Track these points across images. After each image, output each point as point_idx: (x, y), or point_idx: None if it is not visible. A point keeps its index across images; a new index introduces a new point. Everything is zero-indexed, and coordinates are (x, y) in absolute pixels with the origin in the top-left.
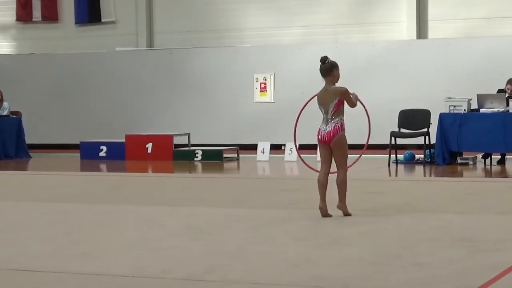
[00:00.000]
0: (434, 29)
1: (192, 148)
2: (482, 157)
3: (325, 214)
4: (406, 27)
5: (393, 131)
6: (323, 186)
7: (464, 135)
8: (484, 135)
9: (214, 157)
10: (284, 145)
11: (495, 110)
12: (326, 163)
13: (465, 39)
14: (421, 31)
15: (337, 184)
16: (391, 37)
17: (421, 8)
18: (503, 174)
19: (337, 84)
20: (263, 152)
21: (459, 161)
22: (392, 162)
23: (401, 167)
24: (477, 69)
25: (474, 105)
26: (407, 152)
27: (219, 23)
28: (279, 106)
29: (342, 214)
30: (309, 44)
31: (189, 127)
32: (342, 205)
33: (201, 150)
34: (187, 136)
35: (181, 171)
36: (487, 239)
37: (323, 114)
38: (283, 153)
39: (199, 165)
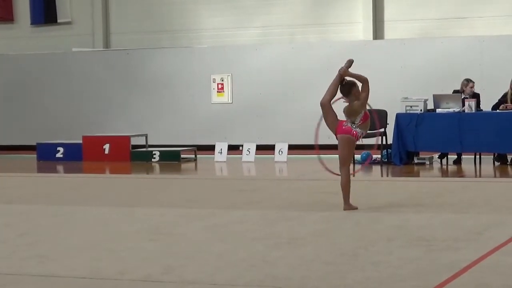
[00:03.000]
0: (390, 30)
1: (149, 149)
2: (438, 157)
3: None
4: (362, 27)
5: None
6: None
7: (420, 135)
8: (440, 135)
9: (172, 158)
10: (242, 145)
11: (451, 110)
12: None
13: (421, 40)
14: (377, 31)
15: (341, 186)
16: (347, 37)
17: (377, 9)
18: (459, 173)
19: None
20: (221, 152)
21: (415, 161)
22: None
23: (358, 167)
24: (433, 70)
25: (430, 105)
26: (364, 152)
27: (175, 24)
28: (237, 106)
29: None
30: (266, 45)
31: (146, 128)
32: (346, 206)
33: (159, 151)
34: (144, 137)
35: (138, 172)
36: (443, 238)
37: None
38: (241, 154)
39: (157, 166)
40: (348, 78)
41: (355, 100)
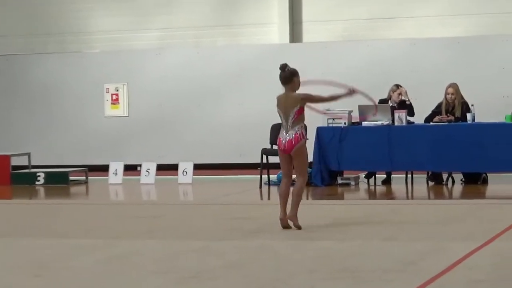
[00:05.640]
0: (310, 32)
1: (33, 170)
2: (365, 177)
3: (285, 225)
4: (277, 29)
5: (265, 148)
6: (283, 197)
7: (344, 152)
8: (367, 151)
9: (59, 180)
10: (140, 165)
11: (379, 123)
12: (287, 176)
13: (345, 43)
14: (295, 34)
15: (292, 193)
16: (261, 40)
17: (295, 9)
18: (388, 195)
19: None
20: (116, 173)
21: (339, 181)
22: (264, 183)
23: (274, 189)
24: (359, 77)
25: (356, 118)
26: (280, 172)
27: (63, 25)
28: (134, 120)
29: (293, 226)
30: (167, 49)
31: (29, 145)
32: (293, 215)
33: (44, 172)
34: (27, 156)
35: (20, 196)
36: (371, 268)
37: (282, 121)
38: (139, 175)
39: (41, 189)
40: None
41: (292, 91)
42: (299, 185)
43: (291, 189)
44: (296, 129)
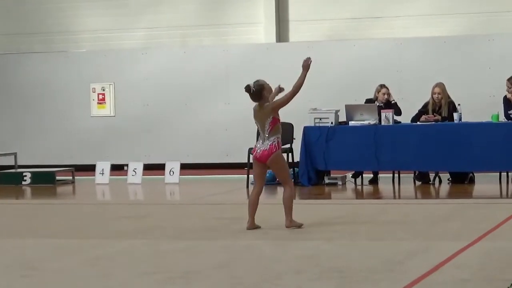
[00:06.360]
0: (296, 31)
1: (19, 170)
2: (352, 176)
3: (252, 227)
4: (264, 28)
5: (251, 148)
6: (252, 205)
7: (331, 152)
8: (354, 151)
9: (46, 180)
10: (127, 165)
11: (366, 122)
12: (259, 184)
13: (331, 42)
14: (281, 33)
15: (283, 202)
16: (247, 40)
17: (281, 8)
18: (375, 195)
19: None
20: (102, 173)
21: (326, 181)
22: (251, 183)
23: None
24: (345, 76)
25: (342, 118)
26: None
27: (49, 25)
28: (120, 120)
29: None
30: (154, 49)
31: (15, 145)
32: (289, 222)
33: (30, 172)
34: (13, 156)
35: (7, 196)
36: (359, 268)
37: (260, 131)
38: (126, 175)
39: (28, 189)
40: (260, 82)
41: (266, 101)
42: (288, 194)
43: (277, 194)
44: (272, 139)
